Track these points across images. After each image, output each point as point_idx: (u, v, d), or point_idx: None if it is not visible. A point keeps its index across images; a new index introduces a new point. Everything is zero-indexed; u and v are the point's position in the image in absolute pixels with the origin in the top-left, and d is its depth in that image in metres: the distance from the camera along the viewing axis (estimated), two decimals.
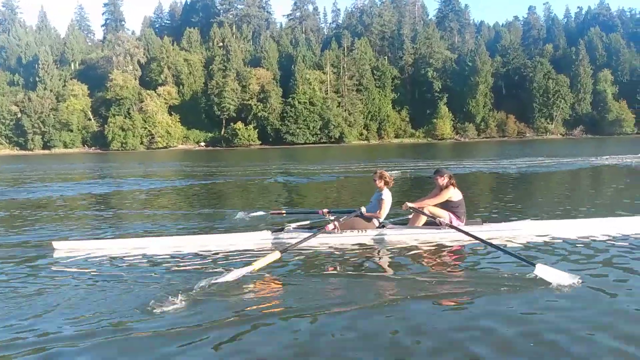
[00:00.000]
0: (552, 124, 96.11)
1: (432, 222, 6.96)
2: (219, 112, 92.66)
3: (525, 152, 40.36)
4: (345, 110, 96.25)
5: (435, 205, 7.08)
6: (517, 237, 6.88)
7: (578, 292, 4.57)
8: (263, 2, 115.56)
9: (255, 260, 5.23)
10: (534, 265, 4.93)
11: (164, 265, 5.98)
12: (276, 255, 5.37)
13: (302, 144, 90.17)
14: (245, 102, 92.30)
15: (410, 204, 7.07)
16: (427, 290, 4.72)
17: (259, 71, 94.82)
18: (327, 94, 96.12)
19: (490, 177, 18.77)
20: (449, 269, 5.67)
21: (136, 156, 61.35)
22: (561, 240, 6.68)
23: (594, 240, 6.63)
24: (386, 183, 7.37)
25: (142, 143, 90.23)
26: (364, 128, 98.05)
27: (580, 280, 4.74)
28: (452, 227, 6.71)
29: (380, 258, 6.26)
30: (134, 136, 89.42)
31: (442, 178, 7.24)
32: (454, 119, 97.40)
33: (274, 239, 6.95)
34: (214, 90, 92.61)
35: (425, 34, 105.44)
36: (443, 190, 7.18)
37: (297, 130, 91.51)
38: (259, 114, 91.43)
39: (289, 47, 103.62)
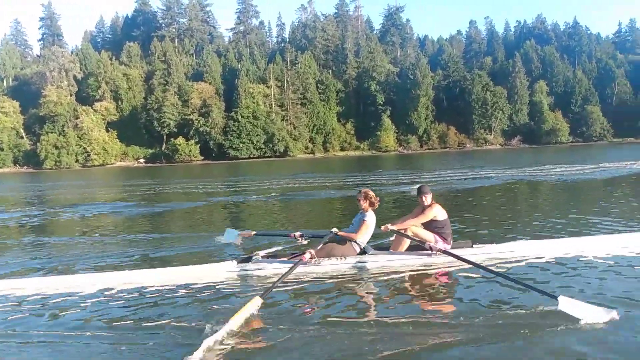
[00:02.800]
0: (491, 134, 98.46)
1: (417, 246, 6.34)
2: (159, 128, 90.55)
3: (480, 162, 40.54)
4: (290, 124, 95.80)
5: (418, 226, 6.43)
6: (515, 261, 6.18)
7: (617, 330, 3.83)
8: (206, 16, 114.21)
9: (232, 313, 4.36)
10: (556, 298, 4.19)
11: (110, 306, 5.20)
12: (257, 302, 4.60)
13: (246, 158, 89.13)
14: (186, 116, 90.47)
15: (391, 227, 6.37)
16: (426, 338, 3.90)
17: (201, 85, 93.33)
18: (271, 107, 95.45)
19: (461, 191, 17.38)
20: (446, 306, 4.82)
21: (71, 175, 58.78)
22: (568, 263, 6.01)
23: (605, 261, 6.00)
24: (371, 204, 6.60)
25: (77, 161, 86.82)
26: (309, 141, 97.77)
27: (618, 315, 3.99)
28: (445, 252, 6.04)
29: (364, 293, 5.49)
30: (68, 154, 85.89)
31: (427, 196, 6.56)
32: (397, 131, 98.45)
33: (240, 270, 6.15)
34: (153, 105, 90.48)
35: (368, 47, 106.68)
36: (426, 208, 6.52)
37: (241, 144, 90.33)
38: (201, 129, 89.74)
39: (233, 61, 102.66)
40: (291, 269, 5.53)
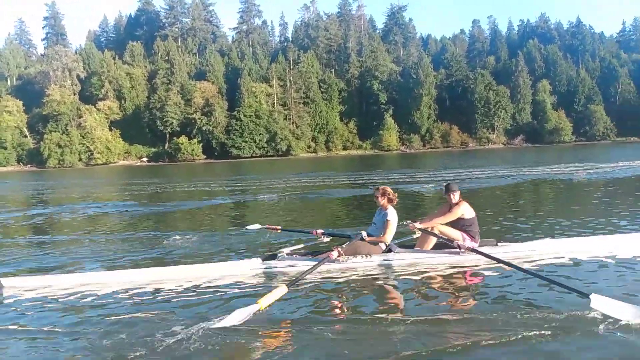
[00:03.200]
0: (494, 133, 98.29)
1: (443, 244, 6.28)
2: (162, 127, 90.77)
3: (483, 161, 40.45)
4: (292, 123, 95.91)
5: (445, 224, 6.37)
6: (541, 259, 6.09)
7: None
8: (209, 16, 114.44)
9: (259, 297, 4.42)
10: (587, 296, 4.11)
11: (137, 305, 5.10)
12: (283, 290, 4.57)
13: (248, 157, 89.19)
14: (189, 115, 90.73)
15: (418, 225, 6.34)
16: (456, 338, 3.86)
17: (204, 84, 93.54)
18: (273, 107, 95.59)
19: (482, 190, 17.14)
20: (476, 305, 4.81)
21: (74, 173, 59.00)
22: (596, 262, 5.95)
23: (636, 259, 5.94)
24: (390, 200, 6.51)
25: (80, 160, 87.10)
26: (311, 140, 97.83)
27: None
28: (474, 250, 5.95)
29: (390, 291, 5.50)
30: (71, 153, 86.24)
31: (455, 194, 6.51)
32: (399, 130, 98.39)
33: (266, 267, 6.14)
34: (156, 104, 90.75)
35: (371, 47, 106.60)
36: (454, 206, 6.45)
37: (243, 143, 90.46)
38: (204, 128, 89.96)
39: (236, 60, 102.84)
40: (319, 264, 5.51)
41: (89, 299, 5.34)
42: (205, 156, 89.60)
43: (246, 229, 8.36)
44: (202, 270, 6.17)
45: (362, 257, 6.15)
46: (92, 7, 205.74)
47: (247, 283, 5.75)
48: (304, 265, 5.90)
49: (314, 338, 3.98)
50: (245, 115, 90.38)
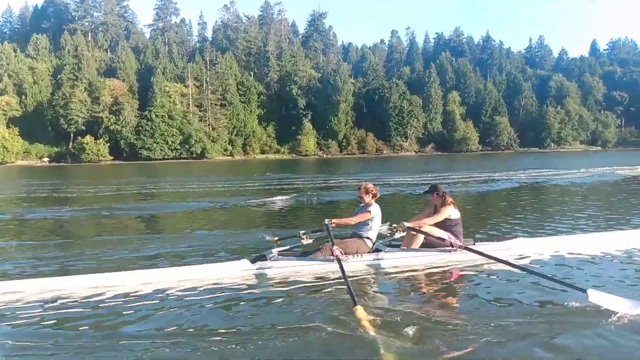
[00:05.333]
0: (406, 141, 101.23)
1: (429, 244, 6.33)
2: (66, 125, 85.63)
3: (430, 167, 41.52)
4: (208, 125, 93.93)
5: (432, 225, 6.38)
6: (524, 257, 6.30)
7: None
8: (123, 11, 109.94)
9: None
10: (584, 291, 4.20)
11: (111, 315, 4.61)
12: (360, 311, 4.14)
13: (159, 159, 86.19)
14: (96, 114, 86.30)
15: (407, 224, 6.32)
16: (452, 336, 3.79)
17: (113, 82, 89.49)
18: (188, 107, 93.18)
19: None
20: (472, 303, 4.72)
21: None
22: (576, 259, 6.25)
23: (604, 257, 6.33)
24: (374, 196, 6.42)
25: None
26: (228, 143, 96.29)
27: None
28: (467, 248, 6.05)
29: (385, 290, 5.37)
30: None
31: (439, 195, 6.57)
32: (317, 136, 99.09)
33: (257, 268, 5.84)
34: (60, 102, 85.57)
35: (291, 52, 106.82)
36: (441, 207, 6.48)
37: (154, 145, 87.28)
38: (111, 127, 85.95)
39: (151, 58, 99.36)
40: (343, 270, 5.12)
41: (64, 304, 4.97)
42: (112, 157, 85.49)
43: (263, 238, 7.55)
44: (191, 272, 5.82)
45: (353, 256, 6.07)
46: None
47: (239, 285, 5.48)
48: (297, 265, 5.88)
49: (305, 340, 3.85)
50: (157, 116, 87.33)
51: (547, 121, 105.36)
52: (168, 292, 5.26)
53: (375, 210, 6.35)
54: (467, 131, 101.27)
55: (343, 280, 4.87)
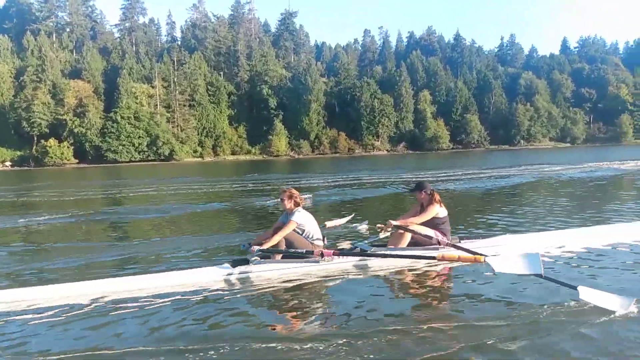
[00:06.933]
0: (378, 140, 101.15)
1: (416, 242, 6.20)
2: (29, 128, 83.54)
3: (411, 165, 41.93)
4: (176, 126, 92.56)
5: (419, 223, 6.26)
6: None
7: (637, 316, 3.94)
8: (89, 11, 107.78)
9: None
10: (575, 288, 4.18)
11: (85, 329, 4.25)
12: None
13: (126, 162, 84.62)
14: (59, 116, 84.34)
15: (394, 222, 6.18)
16: (440, 335, 3.76)
17: (78, 83, 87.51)
18: (156, 109, 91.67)
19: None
20: (460, 302, 4.63)
21: None
22: (566, 255, 6.22)
23: (593, 251, 6.33)
24: (297, 204, 6.09)
25: None
26: (198, 145, 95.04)
27: (636, 301, 4.07)
28: (454, 246, 5.92)
29: (372, 291, 5.12)
30: None
31: (426, 193, 6.44)
32: (289, 136, 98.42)
33: (240, 273, 5.57)
34: (22, 104, 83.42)
35: (261, 51, 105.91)
36: (428, 206, 6.36)
37: (120, 147, 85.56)
38: (76, 130, 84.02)
39: (117, 59, 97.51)
40: (378, 254, 5.72)
41: (30, 317, 4.64)
42: (77, 160, 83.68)
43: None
44: (169, 279, 5.50)
45: (338, 257, 5.88)
46: None
47: (220, 290, 5.23)
48: (279, 267, 5.67)
49: (289, 346, 3.70)
50: (122, 117, 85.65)
51: (517, 119, 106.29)
52: (144, 300, 4.97)
53: (298, 216, 5.99)
54: (438, 129, 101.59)
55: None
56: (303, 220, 5.98)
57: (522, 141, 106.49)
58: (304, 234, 5.97)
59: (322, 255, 5.63)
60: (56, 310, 4.72)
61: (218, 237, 8.73)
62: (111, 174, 47.55)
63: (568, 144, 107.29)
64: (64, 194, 22.30)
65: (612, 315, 4.01)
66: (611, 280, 5.08)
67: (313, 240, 6.00)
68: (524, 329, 3.83)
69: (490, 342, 3.62)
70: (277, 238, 5.79)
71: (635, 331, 3.76)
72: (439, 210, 6.34)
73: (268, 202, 14.81)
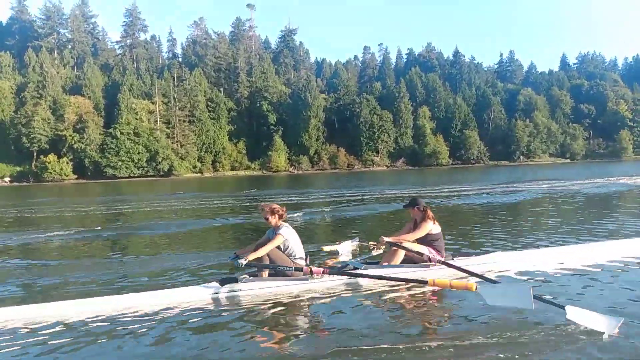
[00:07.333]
0: (378, 156, 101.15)
1: (410, 259, 6.13)
2: (29, 144, 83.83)
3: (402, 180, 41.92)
4: (176, 142, 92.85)
5: (412, 240, 6.21)
6: (504, 271, 6.17)
7: (627, 338, 3.88)
8: (90, 28, 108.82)
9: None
10: (563, 307, 4.18)
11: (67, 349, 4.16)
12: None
13: (125, 177, 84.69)
14: (59, 132, 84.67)
15: (387, 239, 6.12)
16: (428, 355, 3.73)
17: (78, 99, 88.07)
18: (156, 124, 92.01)
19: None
20: (449, 320, 4.70)
21: None
22: (555, 273, 6.14)
23: (584, 269, 6.25)
24: (281, 217, 5.97)
25: None
26: (197, 160, 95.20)
27: (623, 322, 3.97)
28: (445, 263, 5.91)
29: (363, 309, 5.05)
30: None
31: (419, 209, 6.38)
32: (288, 151, 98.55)
33: (228, 292, 5.49)
34: (22, 120, 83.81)
35: (261, 67, 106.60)
36: (421, 222, 6.30)
37: (120, 162, 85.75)
38: (75, 146, 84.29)
39: (118, 75, 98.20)
40: (363, 274, 5.58)
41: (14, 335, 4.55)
42: (76, 176, 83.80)
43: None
44: (153, 298, 5.36)
45: (328, 276, 5.73)
46: None
47: (207, 309, 5.14)
48: (268, 286, 5.59)
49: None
50: (122, 133, 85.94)
51: (516, 134, 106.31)
52: (129, 319, 4.88)
53: (285, 231, 5.88)
54: (438, 145, 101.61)
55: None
56: (288, 236, 5.87)
57: (521, 157, 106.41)
58: (286, 251, 5.85)
59: (311, 272, 5.49)
60: (33, 331, 4.65)
61: (214, 254, 8.61)
62: (110, 190, 47.51)
63: (567, 160, 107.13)
64: (59, 210, 22.16)
65: (599, 336, 3.96)
66: (601, 300, 5.01)
67: (295, 258, 5.84)
68: (512, 349, 3.79)
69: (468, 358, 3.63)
70: (262, 251, 5.68)
71: (619, 353, 3.73)
72: (432, 227, 6.27)
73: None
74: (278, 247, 5.81)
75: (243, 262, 5.47)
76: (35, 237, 12.42)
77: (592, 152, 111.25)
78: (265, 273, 5.80)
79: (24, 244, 11.50)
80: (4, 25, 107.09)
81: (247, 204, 22.27)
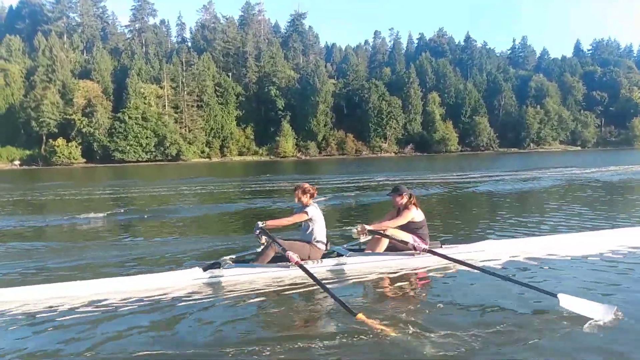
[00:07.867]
0: (386, 142, 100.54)
1: (394, 247, 6.06)
2: (38, 128, 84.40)
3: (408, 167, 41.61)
4: (184, 126, 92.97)
5: (395, 228, 6.12)
6: (492, 259, 6.08)
7: (620, 325, 3.84)
8: (100, 12, 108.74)
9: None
10: (555, 295, 4.12)
11: (47, 334, 4.14)
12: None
13: (133, 161, 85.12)
14: (68, 116, 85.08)
15: (369, 227, 6.02)
16: (418, 343, 3.63)
17: (87, 84, 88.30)
18: (164, 109, 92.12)
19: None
20: (438, 309, 4.47)
21: None
22: (546, 261, 6.07)
23: (577, 257, 6.19)
24: (311, 196, 6.11)
25: None
26: (205, 145, 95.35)
27: (617, 310, 3.97)
28: (430, 251, 5.82)
29: (348, 297, 4.76)
30: None
31: (402, 197, 6.28)
32: (296, 137, 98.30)
33: (210, 277, 5.44)
34: (31, 104, 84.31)
35: (270, 52, 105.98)
36: (404, 210, 6.22)
37: (128, 147, 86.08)
38: (84, 130, 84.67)
39: (126, 59, 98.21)
40: (315, 277, 4.90)
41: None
42: (84, 160, 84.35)
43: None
44: (137, 282, 5.34)
45: (313, 262, 5.73)
46: None
47: (188, 295, 5.06)
48: (251, 272, 5.54)
49: (259, 353, 3.59)
50: (130, 117, 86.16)
51: (527, 121, 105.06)
52: (108, 304, 4.84)
53: (313, 211, 5.99)
54: (447, 132, 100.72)
55: (319, 287, 4.67)
56: (313, 216, 5.96)
57: (531, 144, 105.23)
58: (308, 231, 5.96)
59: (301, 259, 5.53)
60: (9, 314, 4.64)
61: (224, 239, 8.64)
62: (118, 174, 47.82)
63: (578, 147, 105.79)
64: (62, 194, 22.10)
65: (592, 323, 3.92)
66: (594, 287, 4.95)
67: (316, 240, 5.93)
68: (502, 337, 3.74)
69: (466, 350, 3.54)
70: (285, 221, 6.02)
71: (613, 340, 3.68)
72: (415, 215, 6.18)
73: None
74: (300, 225, 6.03)
75: (260, 224, 5.74)
76: (56, 220, 12.45)
77: (604, 139, 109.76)
78: (274, 250, 5.76)
79: (12, 227, 11.48)
80: (14, 9, 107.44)
81: (269, 188, 22.50)
